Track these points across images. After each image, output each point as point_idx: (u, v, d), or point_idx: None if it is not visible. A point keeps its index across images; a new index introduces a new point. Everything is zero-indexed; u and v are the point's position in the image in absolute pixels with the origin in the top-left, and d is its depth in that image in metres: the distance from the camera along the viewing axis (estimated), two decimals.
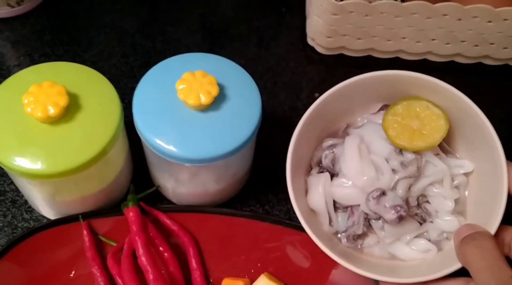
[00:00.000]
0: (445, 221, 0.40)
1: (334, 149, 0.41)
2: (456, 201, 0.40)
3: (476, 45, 0.55)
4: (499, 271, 0.32)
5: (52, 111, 0.37)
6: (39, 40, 0.56)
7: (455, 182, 0.41)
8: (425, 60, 0.58)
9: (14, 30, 0.57)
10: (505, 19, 0.52)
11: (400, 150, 0.40)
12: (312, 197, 0.41)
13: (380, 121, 0.40)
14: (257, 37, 0.58)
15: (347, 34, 0.55)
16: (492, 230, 0.35)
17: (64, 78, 0.40)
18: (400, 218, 0.38)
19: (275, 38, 0.59)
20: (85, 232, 0.42)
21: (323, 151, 0.42)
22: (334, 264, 0.39)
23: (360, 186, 0.39)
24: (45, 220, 0.46)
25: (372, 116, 0.43)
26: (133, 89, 0.52)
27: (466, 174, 0.41)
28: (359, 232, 0.40)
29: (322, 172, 0.42)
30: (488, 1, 0.52)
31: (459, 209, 0.40)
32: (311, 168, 0.43)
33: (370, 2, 0.51)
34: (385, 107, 0.42)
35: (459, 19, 0.52)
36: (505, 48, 0.55)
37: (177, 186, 0.45)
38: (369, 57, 0.58)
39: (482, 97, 0.57)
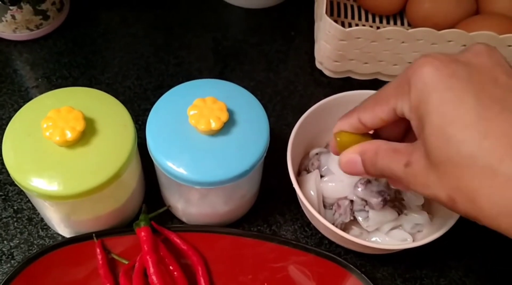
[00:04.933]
0: (417, 215, 0.46)
1: (319, 157, 0.48)
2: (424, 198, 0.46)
3: None
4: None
5: (69, 135, 0.38)
6: (56, 62, 0.58)
7: None
8: None
9: (33, 52, 0.59)
10: (509, 45, 0.53)
11: None
12: (306, 191, 0.46)
13: None
14: (267, 60, 0.60)
15: (354, 59, 0.56)
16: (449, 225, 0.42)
17: (81, 103, 0.41)
18: (385, 201, 0.44)
19: (284, 61, 0.60)
20: (98, 250, 0.44)
21: (310, 159, 0.49)
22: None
23: (347, 179, 0.45)
24: (60, 238, 0.47)
25: None
26: (146, 110, 0.55)
27: None
28: (347, 220, 0.45)
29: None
30: (492, 28, 0.54)
31: (427, 207, 0.47)
32: (299, 173, 0.49)
33: (378, 29, 0.53)
34: None
35: (464, 45, 0.53)
36: None
37: (187, 207, 0.46)
38: (376, 80, 0.59)
39: None
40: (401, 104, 0.31)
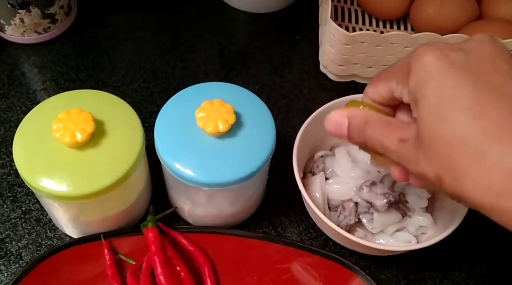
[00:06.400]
0: (421, 217, 0.46)
1: (324, 160, 0.49)
2: (428, 200, 0.47)
3: None
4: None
5: (79, 137, 0.39)
6: (64, 65, 0.59)
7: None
8: None
9: (41, 55, 0.60)
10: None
11: None
12: (311, 193, 0.46)
13: None
14: (272, 64, 0.61)
15: (359, 63, 0.57)
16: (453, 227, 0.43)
17: (90, 105, 0.42)
18: (389, 203, 0.44)
19: (289, 65, 0.61)
20: (106, 251, 0.44)
21: (315, 162, 0.49)
22: None
23: (352, 181, 0.46)
24: (68, 239, 0.48)
25: None
26: (153, 113, 0.56)
27: None
28: (352, 222, 0.45)
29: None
30: (495, 32, 0.54)
31: (431, 209, 0.48)
32: (304, 175, 0.50)
33: (382, 33, 0.53)
34: None
35: None
36: None
37: (193, 208, 0.47)
38: None
39: None
40: (400, 88, 0.33)
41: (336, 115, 0.35)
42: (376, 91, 0.35)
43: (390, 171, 0.35)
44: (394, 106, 0.36)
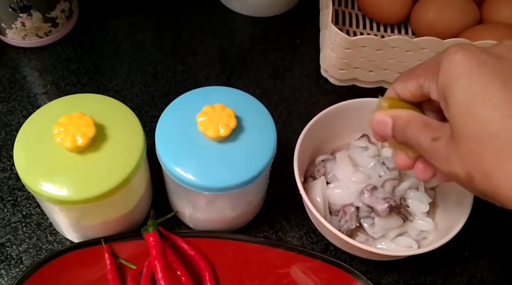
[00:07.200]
0: (422, 221, 0.47)
1: (325, 164, 0.49)
2: (429, 205, 0.47)
3: None
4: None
5: (80, 141, 0.39)
6: (65, 69, 0.59)
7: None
8: None
9: (42, 59, 0.60)
10: None
11: (383, 162, 0.47)
12: (312, 197, 0.46)
13: (362, 145, 0.49)
14: (273, 68, 0.61)
15: (359, 67, 0.57)
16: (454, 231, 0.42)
17: (91, 109, 0.42)
18: (390, 208, 0.44)
19: (290, 69, 0.61)
20: (106, 255, 0.44)
21: (316, 166, 0.49)
22: None
23: (353, 186, 0.46)
24: (68, 243, 0.48)
25: (354, 142, 0.50)
26: (154, 117, 0.56)
27: (433, 188, 0.49)
28: (353, 226, 0.45)
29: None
30: (496, 37, 0.54)
31: (432, 214, 0.48)
32: (305, 180, 0.50)
33: (383, 37, 0.53)
34: (365, 136, 0.50)
35: None
36: None
37: (194, 212, 0.47)
38: (381, 88, 0.60)
39: None
40: (429, 84, 0.33)
41: (381, 115, 0.37)
42: (405, 88, 0.36)
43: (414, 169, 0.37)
44: (420, 103, 0.37)
